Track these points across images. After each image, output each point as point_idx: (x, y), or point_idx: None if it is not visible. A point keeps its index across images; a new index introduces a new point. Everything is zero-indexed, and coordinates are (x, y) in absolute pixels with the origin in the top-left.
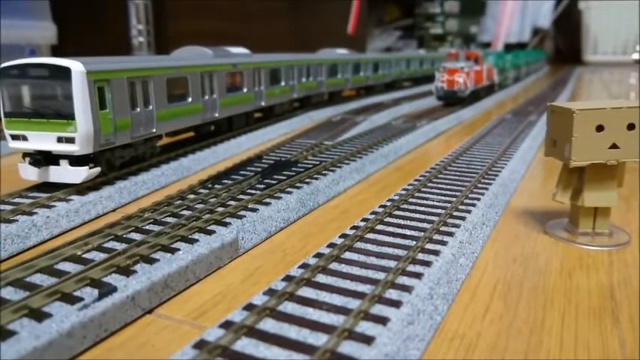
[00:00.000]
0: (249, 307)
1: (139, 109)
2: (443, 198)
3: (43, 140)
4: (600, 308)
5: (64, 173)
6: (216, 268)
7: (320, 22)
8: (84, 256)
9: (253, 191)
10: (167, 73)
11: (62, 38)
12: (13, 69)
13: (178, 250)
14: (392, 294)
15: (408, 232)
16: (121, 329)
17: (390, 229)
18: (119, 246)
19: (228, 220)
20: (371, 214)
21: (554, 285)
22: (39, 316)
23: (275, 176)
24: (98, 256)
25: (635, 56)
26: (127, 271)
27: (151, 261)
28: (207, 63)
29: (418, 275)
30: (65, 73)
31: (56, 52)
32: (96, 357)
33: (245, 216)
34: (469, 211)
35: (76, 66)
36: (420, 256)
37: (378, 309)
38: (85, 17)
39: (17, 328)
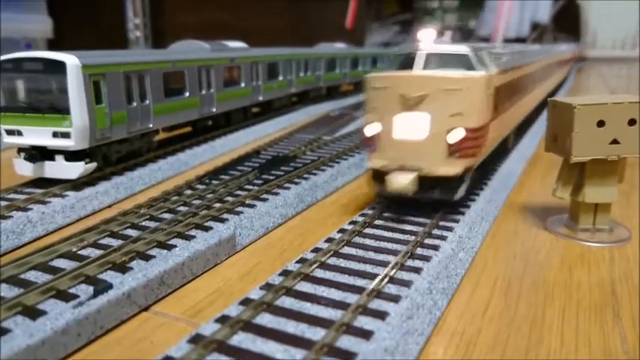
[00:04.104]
0: (246, 302)
1: (135, 104)
2: None
3: (38, 135)
4: (601, 304)
5: (59, 168)
6: (213, 264)
7: (318, 16)
8: (79, 252)
9: (251, 187)
10: (164, 67)
11: (58, 32)
12: (7, 63)
13: (175, 246)
14: (391, 288)
15: (407, 227)
16: (117, 327)
17: (389, 224)
18: (115, 242)
19: (225, 216)
20: (370, 208)
21: (555, 281)
22: (33, 313)
23: (273, 172)
24: (94, 252)
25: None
26: (122, 268)
27: (147, 257)
28: (204, 57)
29: (417, 270)
30: (60, 67)
31: (52, 45)
32: (91, 355)
33: (242, 212)
34: (468, 206)
35: (71, 60)
36: (419, 250)
37: (377, 304)
38: (81, 11)
39: (11, 326)
